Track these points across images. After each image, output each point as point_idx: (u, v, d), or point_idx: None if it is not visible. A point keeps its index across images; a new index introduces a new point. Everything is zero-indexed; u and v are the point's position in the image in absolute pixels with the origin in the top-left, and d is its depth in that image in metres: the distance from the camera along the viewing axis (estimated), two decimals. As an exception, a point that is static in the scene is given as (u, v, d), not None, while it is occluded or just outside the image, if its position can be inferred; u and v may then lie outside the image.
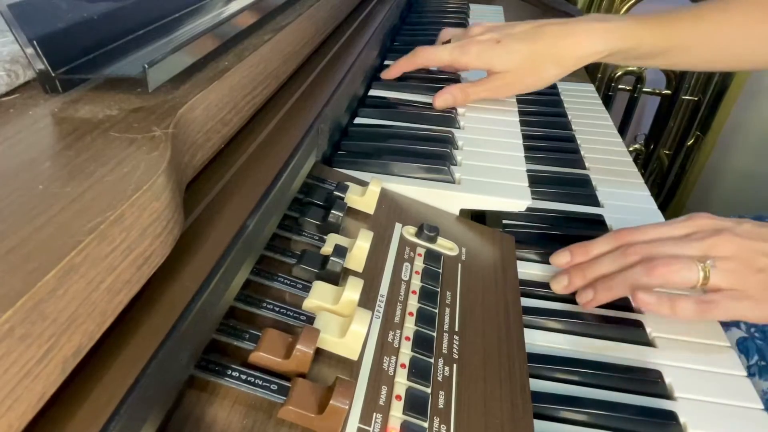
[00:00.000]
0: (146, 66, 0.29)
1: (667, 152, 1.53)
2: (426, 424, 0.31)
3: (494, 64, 0.64)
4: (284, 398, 0.28)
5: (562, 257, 0.48)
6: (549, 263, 0.50)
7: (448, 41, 0.71)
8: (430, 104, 0.66)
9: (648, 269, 0.42)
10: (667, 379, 0.41)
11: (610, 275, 0.44)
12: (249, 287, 0.34)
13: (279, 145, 0.40)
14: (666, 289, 0.44)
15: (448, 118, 0.63)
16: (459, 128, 0.63)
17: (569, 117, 0.78)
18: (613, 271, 0.45)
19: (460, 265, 0.44)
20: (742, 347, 0.60)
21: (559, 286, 0.47)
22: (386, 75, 0.71)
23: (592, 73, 1.35)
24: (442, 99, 0.65)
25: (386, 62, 0.80)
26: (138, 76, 0.30)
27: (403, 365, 0.33)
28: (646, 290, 0.43)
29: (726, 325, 0.61)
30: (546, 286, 0.48)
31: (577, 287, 0.46)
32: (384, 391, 0.31)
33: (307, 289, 0.35)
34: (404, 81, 0.72)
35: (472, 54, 0.64)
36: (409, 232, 0.45)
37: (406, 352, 0.34)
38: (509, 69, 0.63)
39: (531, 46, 0.62)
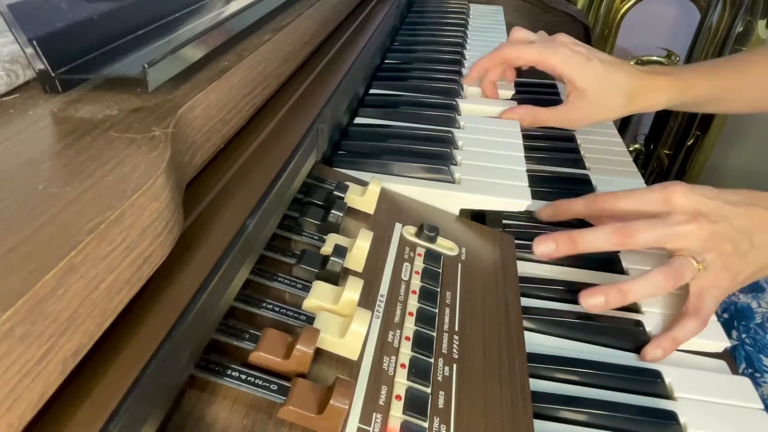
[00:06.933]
0: (146, 66, 0.29)
1: (667, 152, 1.53)
2: (426, 424, 0.31)
3: (579, 78, 0.63)
4: (284, 398, 0.28)
5: (545, 210, 0.52)
6: (549, 263, 0.50)
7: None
8: (430, 103, 0.66)
9: (666, 280, 0.44)
10: (667, 379, 0.41)
11: (624, 285, 0.44)
12: (249, 287, 0.34)
13: (279, 145, 0.40)
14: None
15: (448, 118, 0.63)
16: (459, 128, 0.63)
17: (569, 117, 0.78)
18: (601, 249, 0.46)
19: (460, 265, 0.44)
20: (731, 356, 0.59)
21: (544, 250, 0.47)
22: (469, 79, 0.70)
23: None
24: (509, 117, 0.67)
25: (386, 62, 0.80)
26: (138, 76, 0.30)
27: (403, 365, 0.33)
28: (652, 349, 0.43)
29: None
30: (547, 285, 0.48)
31: (562, 254, 0.47)
32: (384, 391, 0.31)
33: (307, 289, 0.35)
34: (403, 81, 0.73)
35: (563, 56, 0.63)
36: (409, 232, 0.45)
37: (406, 352, 0.34)
38: (589, 90, 0.63)
39: (613, 75, 0.63)
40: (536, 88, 0.82)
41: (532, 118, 0.66)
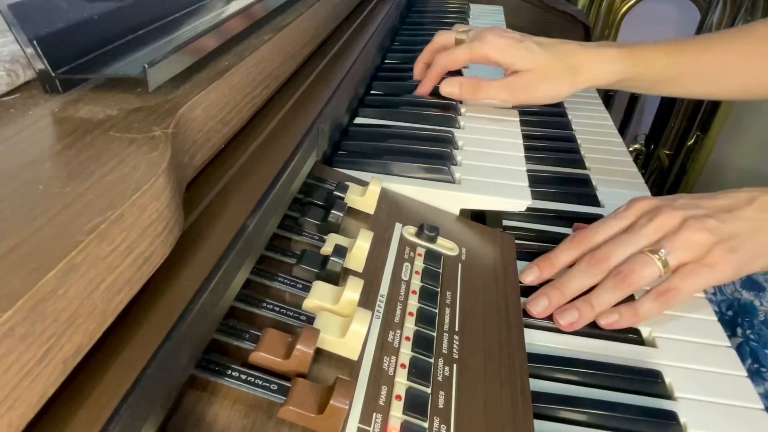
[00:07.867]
0: (146, 66, 0.29)
1: (667, 152, 1.53)
2: (426, 424, 0.31)
3: (516, 61, 0.62)
4: (284, 398, 0.28)
5: (530, 274, 0.47)
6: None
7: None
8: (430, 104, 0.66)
9: (617, 283, 0.43)
10: (667, 379, 0.41)
11: (588, 295, 0.44)
12: (249, 287, 0.34)
13: (279, 145, 0.40)
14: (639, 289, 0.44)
15: (448, 118, 0.63)
16: (459, 128, 0.63)
17: (569, 117, 0.78)
18: (587, 285, 0.45)
19: (460, 265, 0.44)
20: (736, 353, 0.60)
21: (539, 308, 0.45)
22: (422, 92, 0.68)
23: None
24: (447, 90, 0.65)
25: (386, 62, 0.80)
26: (138, 75, 0.30)
27: (403, 365, 0.33)
28: (607, 313, 0.44)
29: None
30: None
31: (557, 306, 0.45)
32: (384, 391, 0.31)
33: (307, 289, 0.35)
34: (403, 81, 0.73)
35: (495, 44, 0.62)
36: (409, 232, 0.45)
37: (406, 352, 0.34)
38: (530, 68, 0.62)
39: (552, 51, 0.62)
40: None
41: (471, 92, 0.64)
